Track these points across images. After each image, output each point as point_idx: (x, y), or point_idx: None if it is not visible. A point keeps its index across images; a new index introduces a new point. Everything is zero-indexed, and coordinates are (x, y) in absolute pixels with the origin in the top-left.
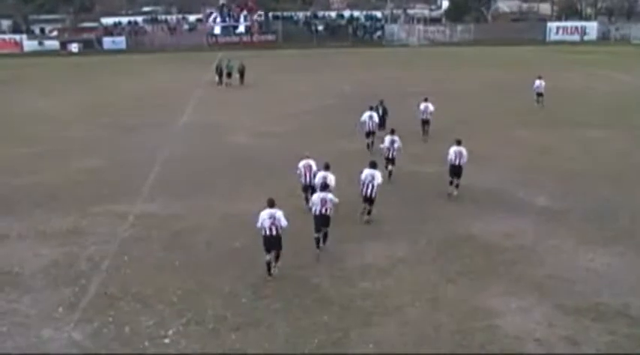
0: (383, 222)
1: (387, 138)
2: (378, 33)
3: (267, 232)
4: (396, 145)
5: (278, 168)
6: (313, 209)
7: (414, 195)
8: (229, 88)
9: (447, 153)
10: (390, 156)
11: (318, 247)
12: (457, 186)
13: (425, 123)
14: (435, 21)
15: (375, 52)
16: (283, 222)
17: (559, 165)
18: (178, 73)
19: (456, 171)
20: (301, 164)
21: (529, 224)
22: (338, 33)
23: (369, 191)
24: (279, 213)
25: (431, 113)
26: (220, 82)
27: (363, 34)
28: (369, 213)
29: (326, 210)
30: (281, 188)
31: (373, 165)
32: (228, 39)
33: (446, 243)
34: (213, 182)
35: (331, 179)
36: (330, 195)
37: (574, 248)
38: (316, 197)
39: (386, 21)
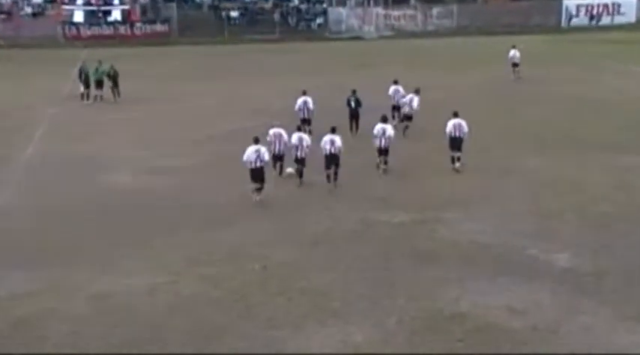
0: (332, 292)
1: (378, 127)
2: (319, 20)
3: (253, 165)
4: (387, 134)
5: (175, 221)
6: (324, 149)
7: (377, 254)
8: (101, 103)
9: (446, 126)
10: (384, 145)
11: (329, 181)
12: (459, 159)
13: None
14: (400, 2)
15: (316, 48)
16: (266, 157)
17: (585, 206)
18: (19, 80)
19: (456, 144)
20: (271, 132)
21: (545, 293)
22: (260, 21)
23: (382, 143)
24: (263, 149)
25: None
26: (87, 94)
27: (297, 23)
28: (385, 162)
29: (335, 149)
30: (179, 253)
31: (384, 120)
32: (96, 30)
33: (424, 323)
34: (78, 245)
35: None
36: (338, 138)
37: (610, 327)
38: (327, 138)
39: (330, 3)
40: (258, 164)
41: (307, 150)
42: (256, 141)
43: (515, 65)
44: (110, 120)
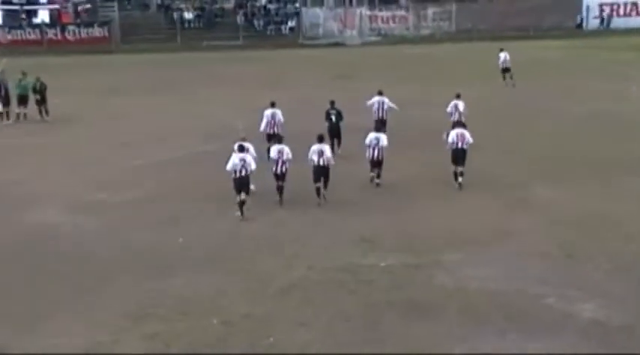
0: (308, 352)
1: (372, 136)
2: (291, 23)
3: (238, 174)
4: (381, 144)
5: (113, 268)
6: (312, 160)
7: (362, 306)
8: (25, 123)
9: (447, 135)
10: (376, 157)
11: (318, 195)
12: (462, 174)
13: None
14: (389, 2)
15: (287, 57)
16: (253, 166)
17: (614, 244)
18: None
19: (460, 157)
20: (268, 112)
21: (566, 351)
22: (220, 25)
23: (375, 153)
24: (249, 157)
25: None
26: (7, 113)
27: (265, 26)
28: (378, 176)
29: (324, 161)
30: (119, 306)
31: (378, 128)
32: (18, 34)
33: None
34: None
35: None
36: (327, 148)
37: None
38: (315, 148)
39: (304, 3)
40: (243, 173)
41: (288, 164)
42: (241, 149)
43: (506, 71)
44: (35, 144)
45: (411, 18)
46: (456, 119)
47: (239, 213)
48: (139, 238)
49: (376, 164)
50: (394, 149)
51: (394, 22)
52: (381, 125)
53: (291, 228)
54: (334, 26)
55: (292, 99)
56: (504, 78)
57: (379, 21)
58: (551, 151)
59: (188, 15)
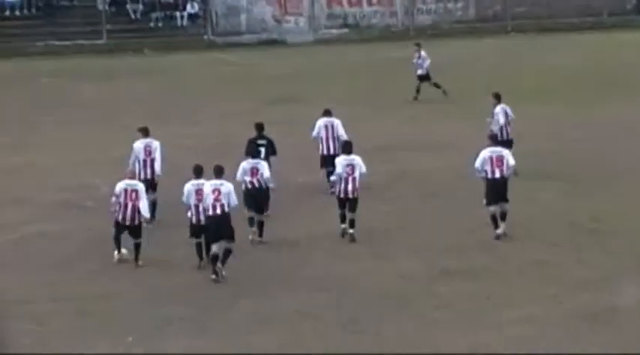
0: None
1: (342, 161)
2: (191, 9)
3: (211, 211)
4: (356, 173)
5: None
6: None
7: None
8: None
9: (477, 158)
10: (351, 193)
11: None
12: (504, 216)
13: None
14: None
15: (188, 65)
16: (233, 199)
17: None
18: None
19: (499, 190)
20: (121, 185)
21: None
22: (68, 12)
23: (349, 187)
24: (228, 187)
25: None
26: None
27: (146, 14)
28: (352, 224)
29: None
30: None
31: (348, 150)
32: None
33: None
34: None
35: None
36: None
37: None
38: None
39: None
40: (218, 210)
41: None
42: (218, 172)
43: (424, 79)
44: None
45: (398, 3)
46: (496, 131)
47: (214, 276)
48: None
49: (349, 203)
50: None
51: (370, 4)
52: (332, 161)
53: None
54: (267, 13)
55: (197, 142)
56: (418, 91)
57: (344, 2)
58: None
59: None
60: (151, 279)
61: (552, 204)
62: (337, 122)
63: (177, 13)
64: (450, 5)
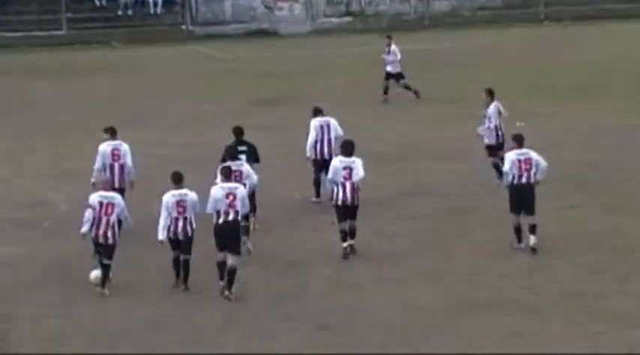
0: None
1: (338, 163)
2: None
3: (222, 218)
4: (355, 177)
5: None
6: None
7: None
8: None
9: (505, 161)
10: (350, 200)
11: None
12: (533, 230)
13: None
14: None
15: (162, 62)
16: (245, 204)
17: None
18: None
19: (527, 200)
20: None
21: None
22: (18, 1)
23: (347, 193)
24: (241, 190)
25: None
26: None
27: (113, 1)
28: (352, 234)
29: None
30: None
31: (349, 151)
32: None
33: None
34: None
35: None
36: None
37: None
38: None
39: None
40: (230, 216)
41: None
42: (227, 174)
43: (393, 77)
44: None
45: None
46: (486, 132)
47: (227, 293)
48: None
49: (349, 211)
50: None
51: None
52: (325, 166)
53: None
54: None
55: (173, 150)
56: (385, 91)
57: None
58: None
59: None
60: (125, 310)
61: (591, 224)
62: (333, 121)
63: (154, 6)
64: None
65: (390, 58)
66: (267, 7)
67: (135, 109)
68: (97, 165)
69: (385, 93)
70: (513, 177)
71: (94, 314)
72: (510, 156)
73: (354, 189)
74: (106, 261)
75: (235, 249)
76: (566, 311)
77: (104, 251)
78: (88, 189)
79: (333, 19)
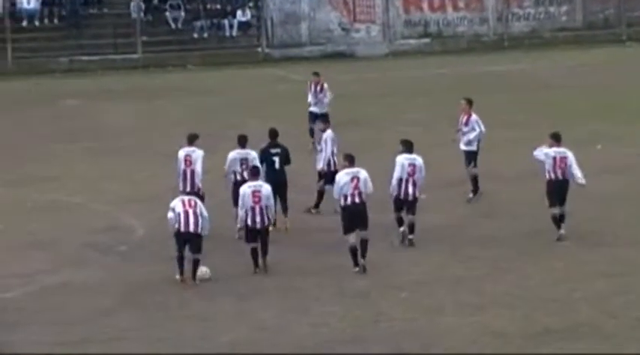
0: None
1: (403, 160)
2: (243, 16)
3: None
4: (417, 175)
5: None
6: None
7: None
8: None
9: (538, 158)
10: (411, 193)
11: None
12: (562, 218)
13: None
14: None
15: (239, 85)
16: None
17: None
18: None
19: (561, 193)
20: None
21: None
22: (96, 22)
23: (409, 190)
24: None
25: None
26: None
27: (190, 23)
28: (412, 229)
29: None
30: None
31: (409, 147)
32: None
33: None
34: None
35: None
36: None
37: None
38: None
39: None
40: (357, 199)
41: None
42: (351, 160)
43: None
44: None
45: (491, 2)
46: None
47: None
48: None
49: (409, 206)
50: None
51: (455, 8)
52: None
53: None
54: (332, 20)
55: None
56: None
57: (425, 7)
58: None
59: (28, 5)
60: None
61: None
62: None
63: (226, 22)
64: (552, 10)
65: (320, 96)
66: (343, 29)
67: (210, 132)
68: (178, 170)
69: (312, 135)
70: (549, 173)
71: (169, 338)
72: (548, 151)
73: (415, 184)
74: (195, 256)
75: (364, 225)
76: None
77: (192, 244)
78: (163, 214)
79: (411, 41)
